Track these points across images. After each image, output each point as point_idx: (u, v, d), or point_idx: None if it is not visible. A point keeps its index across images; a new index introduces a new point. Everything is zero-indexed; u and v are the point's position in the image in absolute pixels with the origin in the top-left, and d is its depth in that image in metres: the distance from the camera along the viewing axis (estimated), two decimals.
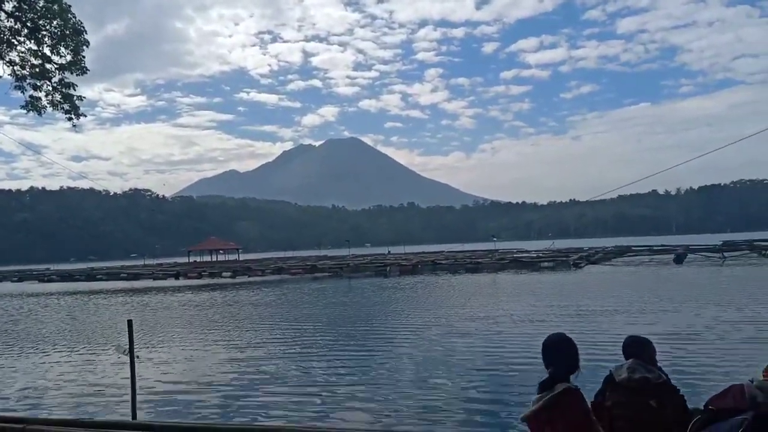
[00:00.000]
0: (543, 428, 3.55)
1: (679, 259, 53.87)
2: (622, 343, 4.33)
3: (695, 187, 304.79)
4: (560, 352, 3.74)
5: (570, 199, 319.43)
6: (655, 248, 66.53)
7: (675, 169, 13.40)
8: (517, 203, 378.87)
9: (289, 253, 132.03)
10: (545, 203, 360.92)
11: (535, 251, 72.68)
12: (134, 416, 7.84)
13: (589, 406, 3.76)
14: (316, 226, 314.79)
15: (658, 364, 4.19)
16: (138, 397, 8.11)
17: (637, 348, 4.19)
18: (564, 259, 57.00)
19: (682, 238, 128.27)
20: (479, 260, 60.23)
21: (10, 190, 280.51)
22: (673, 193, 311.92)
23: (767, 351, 12.42)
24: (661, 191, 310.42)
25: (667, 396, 3.87)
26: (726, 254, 57.98)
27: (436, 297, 31.00)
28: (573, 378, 3.73)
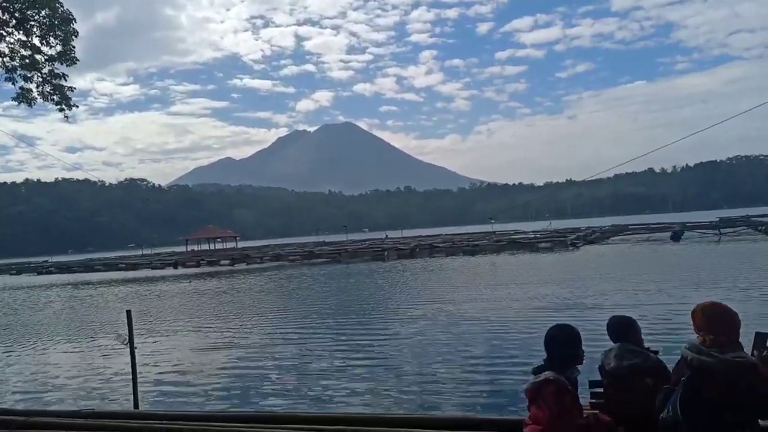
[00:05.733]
0: (531, 406, 3.88)
1: (676, 237, 53.99)
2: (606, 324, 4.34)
3: (691, 164, 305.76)
4: (552, 346, 3.98)
5: (566, 179, 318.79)
6: (651, 226, 66.74)
7: (671, 146, 13.39)
8: (514, 185, 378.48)
9: (287, 240, 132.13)
10: (542, 184, 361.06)
11: (532, 232, 72.75)
12: (136, 406, 7.88)
13: (571, 399, 3.78)
14: (313, 212, 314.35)
15: (645, 345, 4.20)
16: (139, 387, 8.13)
17: (622, 330, 4.20)
18: (561, 239, 57.11)
19: (679, 215, 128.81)
20: (477, 242, 60.35)
21: (5, 183, 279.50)
22: (669, 170, 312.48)
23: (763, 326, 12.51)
24: (657, 169, 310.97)
25: (663, 374, 3.89)
26: (723, 231, 58.28)
27: (434, 281, 31.09)
28: (571, 370, 3.89)
